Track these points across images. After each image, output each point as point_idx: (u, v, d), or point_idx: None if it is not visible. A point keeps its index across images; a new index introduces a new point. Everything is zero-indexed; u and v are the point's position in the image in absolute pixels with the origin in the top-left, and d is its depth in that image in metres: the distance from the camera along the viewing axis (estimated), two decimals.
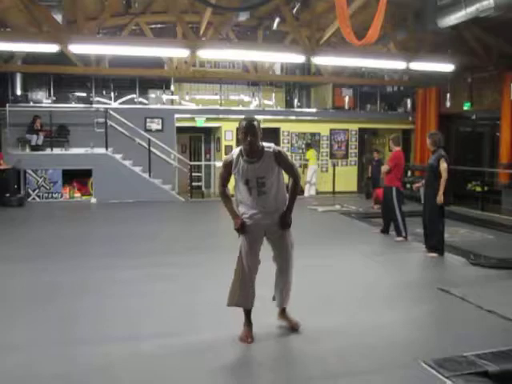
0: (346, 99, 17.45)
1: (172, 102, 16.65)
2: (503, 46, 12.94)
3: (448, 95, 15.54)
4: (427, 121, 16.34)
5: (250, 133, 3.99)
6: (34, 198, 13.53)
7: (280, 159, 4.09)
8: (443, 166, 7.29)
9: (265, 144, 4.12)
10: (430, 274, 6.88)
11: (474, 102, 14.73)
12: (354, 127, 17.41)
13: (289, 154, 16.71)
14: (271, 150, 4.07)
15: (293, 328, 4.41)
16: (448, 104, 15.57)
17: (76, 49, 11.21)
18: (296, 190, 4.30)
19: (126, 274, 6.30)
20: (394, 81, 17.37)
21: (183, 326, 4.56)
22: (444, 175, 7.30)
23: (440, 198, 7.33)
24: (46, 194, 13.70)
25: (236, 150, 4.18)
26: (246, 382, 3.61)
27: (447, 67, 13.03)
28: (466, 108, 14.99)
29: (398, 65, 12.76)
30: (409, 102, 17.94)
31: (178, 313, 4.92)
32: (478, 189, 14.25)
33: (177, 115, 15.62)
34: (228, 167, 4.18)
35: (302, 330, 4.42)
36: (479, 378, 3.56)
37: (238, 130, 4.16)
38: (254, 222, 4.21)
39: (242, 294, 4.18)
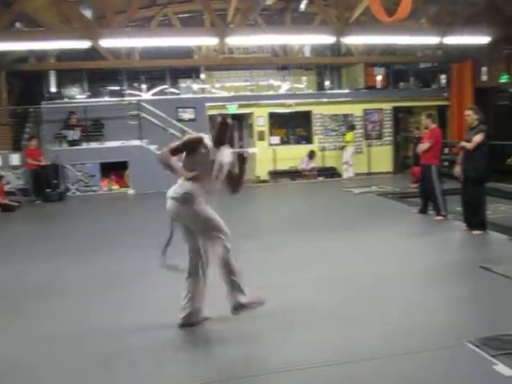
0: (378, 78, 17.14)
1: (203, 90, 16.70)
2: None
3: (484, 68, 15.09)
4: (463, 96, 15.91)
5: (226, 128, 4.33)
6: (73, 192, 13.84)
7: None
8: (476, 137, 7.13)
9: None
10: (471, 252, 6.75)
11: (511, 74, 14.27)
12: (387, 106, 17.12)
13: (322, 137, 16.61)
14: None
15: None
16: (484, 77, 15.13)
17: (107, 43, 11.37)
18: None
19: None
20: (427, 57, 17.00)
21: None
22: (470, 145, 7.19)
23: (456, 170, 7.54)
24: (85, 188, 13.98)
25: (204, 135, 4.28)
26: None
27: (482, 39, 12.67)
28: (503, 81, 14.52)
29: (431, 40, 12.49)
30: (443, 77, 17.50)
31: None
32: None
33: (208, 103, 15.66)
34: (197, 144, 4.18)
35: (343, 312, 4.42)
36: None
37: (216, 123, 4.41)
38: None
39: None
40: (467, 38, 12.69)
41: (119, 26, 11.96)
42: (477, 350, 3.61)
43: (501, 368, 3.35)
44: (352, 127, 16.42)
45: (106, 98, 15.92)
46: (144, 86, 16.37)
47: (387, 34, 12.06)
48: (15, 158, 13.46)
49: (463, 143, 7.48)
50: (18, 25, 12.56)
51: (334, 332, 4.09)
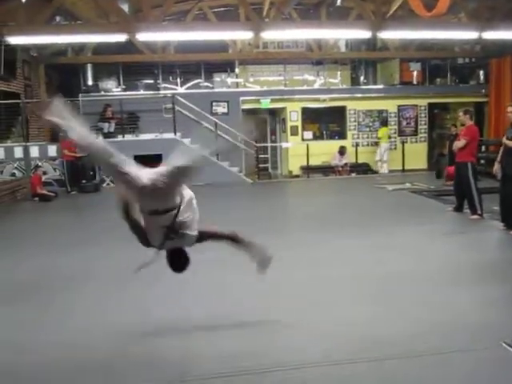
0: (414, 74, 16.88)
1: (237, 84, 16.74)
2: None
3: None
4: (502, 92, 15.56)
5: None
6: (108, 184, 14.06)
7: None
8: None
9: None
10: (508, 252, 6.61)
11: None
12: (423, 103, 16.86)
13: (356, 132, 16.49)
14: None
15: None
16: None
17: (143, 37, 11.49)
18: None
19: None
20: (465, 52, 16.66)
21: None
22: (510, 143, 7.07)
23: (495, 168, 7.47)
24: None
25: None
26: None
27: None
28: None
29: (470, 35, 12.19)
30: (481, 73, 17.13)
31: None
32: None
33: (242, 98, 15.70)
34: None
35: (376, 312, 4.39)
36: None
37: None
38: None
39: None
40: (506, 33, 12.36)
41: (155, 19, 12.07)
42: None
43: None
44: (384, 123, 16.25)
45: (142, 92, 16.11)
46: (179, 80, 16.49)
47: (425, 28, 11.83)
48: (52, 150, 13.75)
49: (505, 140, 7.32)
50: (57, 19, 12.81)
51: (364, 329, 4.07)
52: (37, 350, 3.85)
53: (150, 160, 15.44)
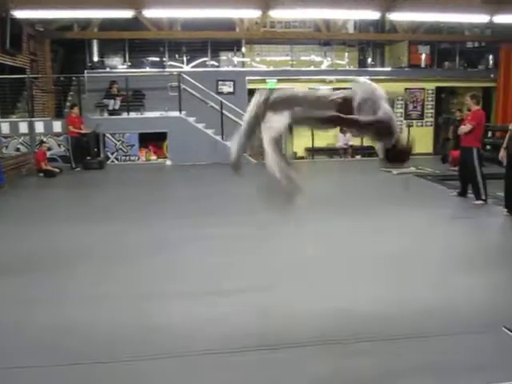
0: (423, 57, 16.69)
1: (243, 64, 16.61)
2: None
3: None
4: (511, 78, 15.41)
5: None
6: (112, 161, 14.07)
7: None
8: None
9: None
10: (511, 238, 6.62)
11: None
12: (430, 86, 16.70)
13: None
14: None
15: None
16: None
17: (150, 13, 11.41)
18: None
19: (207, 231, 6.48)
20: (474, 36, 16.46)
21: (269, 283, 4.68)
22: None
23: (501, 154, 7.46)
24: (124, 157, 14.19)
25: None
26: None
27: None
28: None
29: (481, 18, 12.08)
30: (491, 58, 16.94)
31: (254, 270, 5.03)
32: None
33: (248, 77, 15.59)
34: None
35: (387, 293, 4.43)
36: None
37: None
38: None
39: None
40: None
41: None
42: None
43: None
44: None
45: (148, 69, 16.01)
46: (185, 58, 16.38)
47: (435, 11, 11.71)
48: (57, 125, 13.73)
49: (511, 127, 7.28)
50: None
51: (370, 308, 4.10)
52: None
53: (155, 137, 15.42)
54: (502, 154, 7.49)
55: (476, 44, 17.54)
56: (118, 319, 3.97)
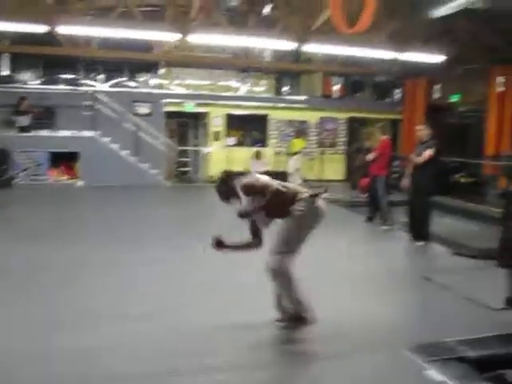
0: (336, 88, 17.46)
1: (161, 86, 16.55)
2: (492, 38, 13.00)
3: (437, 86, 15.59)
4: (415, 111, 16.39)
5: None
6: (21, 180, 13.42)
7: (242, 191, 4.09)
8: (427, 152, 7.39)
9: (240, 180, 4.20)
10: (414, 262, 6.99)
11: (462, 94, 14.81)
12: (343, 116, 17.43)
13: (278, 141, 16.72)
14: (238, 188, 4.14)
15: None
16: (436, 95, 15.63)
17: (65, 30, 11.10)
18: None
19: (120, 256, 6.33)
20: (383, 70, 17.39)
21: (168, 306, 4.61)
22: (420, 159, 7.43)
23: (403, 182, 7.82)
24: (33, 176, 13.59)
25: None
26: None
27: (437, 58, 13.07)
28: (454, 100, 15.07)
29: (389, 55, 12.78)
30: (398, 92, 17.99)
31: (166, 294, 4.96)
32: (464, 180, 14.40)
33: (165, 100, 15.53)
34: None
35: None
36: (457, 363, 3.64)
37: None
38: None
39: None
40: (423, 56, 13.06)
41: (80, 13, 11.73)
42: (411, 355, 3.74)
43: (432, 373, 3.49)
44: (300, 133, 16.42)
45: (61, 86, 15.52)
46: (101, 77, 16.07)
47: (346, 45, 12.28)
48: None
49: (414, 157, 7.71)
50: None
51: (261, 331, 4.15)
52: None
53: (67, 157, 14.84)
54: (405, 182, 7.91)
55: (385, 78, 18.59)
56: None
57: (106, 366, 3.51)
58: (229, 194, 4.23)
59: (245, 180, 4.14)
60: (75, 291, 5.04)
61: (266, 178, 4.23)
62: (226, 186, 4.24)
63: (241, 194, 4.08)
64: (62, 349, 3.71)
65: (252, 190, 4.05)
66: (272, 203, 4.04)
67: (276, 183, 4.18)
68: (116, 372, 3.43)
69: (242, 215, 4.08)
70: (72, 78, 16.08)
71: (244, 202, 4.08)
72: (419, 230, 7.68)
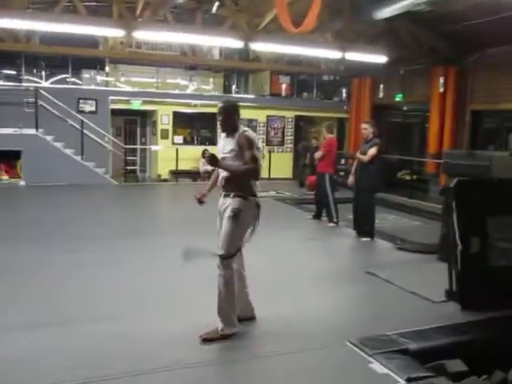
0: (284, 86, 17.60)
1: (107, 83, 16.22)
2: (433, 40, 13.44)
3: (381, 86, 15.96)
4: (361, 110, 16.75)
5: (219, 113, 4.35)
6: None
7: (239, 141, 4.10)
8: (371, 150, 7.56)
9: (243, 127, 4.23)
10: (359, 258, 7.13)
11: (405, 94, 15.23)
12: (290, 114, 17.60)
13: None
14: (240, 131, 4.16)
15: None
16: (381, 95, 16.00)
17: (4, 23, 10.69)
18: (243, 168, 4.08)
19: (60, 258, 6.16)
20: (330, 70, 17.66)
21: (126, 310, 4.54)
22: (365, 158, 7.60)
23: (349, 180, 8.00)
24: None
25: None
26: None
27: (381, 59, 13.35)
28: (397, 99, 15.48)
29: (334, 54, 12.93)
30: (344, 91, 18.32)
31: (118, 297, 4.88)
32: (407, 177, 14.83)
33: (111, 97, 15.23)
34: None
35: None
36: (400, 355, 3.75)
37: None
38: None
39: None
40: (367, 56, 13.30)
41: (20, 6, 11.31)
42: (355, 349, 3.84)
43: (376, 366, 3.58)
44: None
45: (1, 82, 14.97)
46: (44, 73, 15.59)
47: (293, 44, 12.36)
48: None
49: (358, 155, 7.88)
50: None
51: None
52: None
53: (8, 155, 14.38)
54: (351, 180, 8.07)
55: (332, 77, 18.89)
56: None
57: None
58: (232, 126, 4.24)
59: (248, 133, 4.19)
60: None
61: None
62: (234, 117, 4.29)
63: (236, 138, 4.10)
64: None
65: (249, 142, 4.09)
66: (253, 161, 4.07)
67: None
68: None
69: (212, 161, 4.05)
70: (13, 74, 15.55)
71: (230, 145, 4.13)
72: (364, 227, 7.86)
